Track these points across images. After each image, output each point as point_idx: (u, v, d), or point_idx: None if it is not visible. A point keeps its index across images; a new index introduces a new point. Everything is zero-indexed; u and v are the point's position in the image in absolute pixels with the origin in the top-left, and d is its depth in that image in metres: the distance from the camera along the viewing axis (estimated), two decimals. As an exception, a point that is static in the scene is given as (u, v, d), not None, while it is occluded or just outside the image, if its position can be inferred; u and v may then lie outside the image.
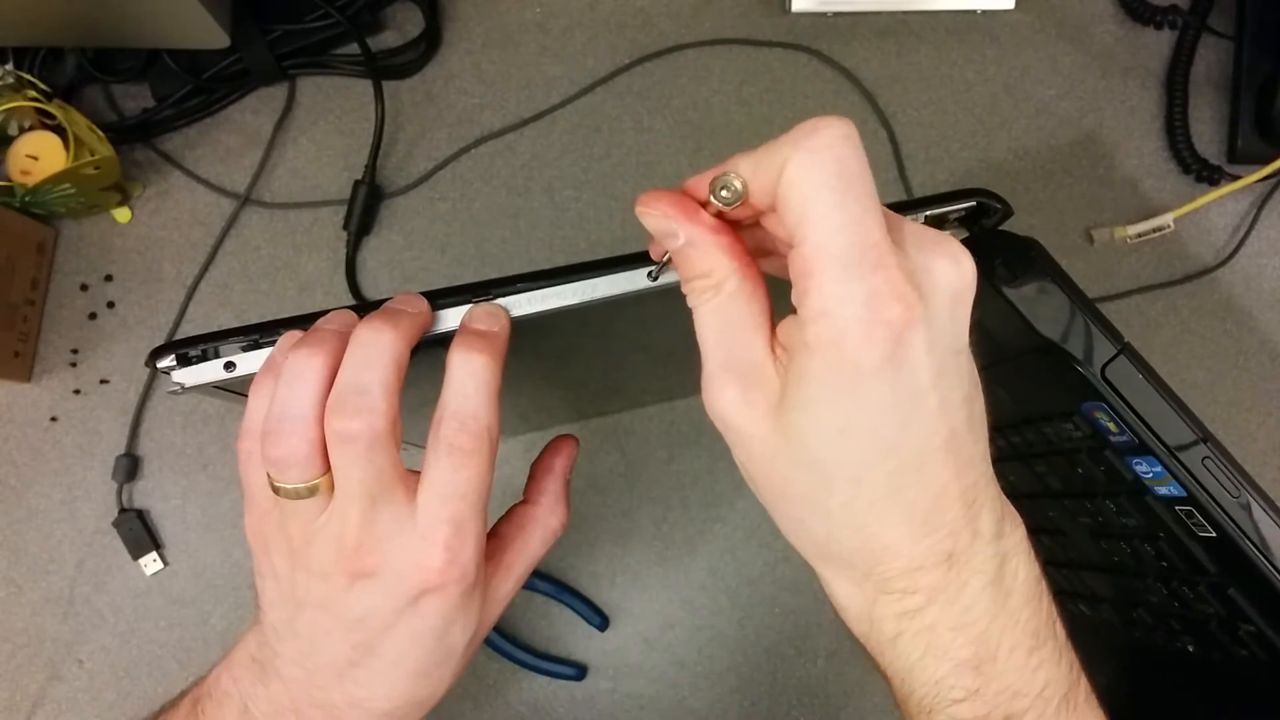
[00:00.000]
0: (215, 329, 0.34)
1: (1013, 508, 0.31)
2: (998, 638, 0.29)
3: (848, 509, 0.28)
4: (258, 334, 0.33)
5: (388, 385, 0.30)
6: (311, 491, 0.30)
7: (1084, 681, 0.31)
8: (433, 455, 0.31)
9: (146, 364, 0.34)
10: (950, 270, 0.27)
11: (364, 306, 0.33)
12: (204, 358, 0.34)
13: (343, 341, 0.31)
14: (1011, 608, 0.29)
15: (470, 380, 0.31)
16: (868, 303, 0.25)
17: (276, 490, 0.31)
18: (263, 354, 0.33)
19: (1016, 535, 0.30)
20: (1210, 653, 0.43)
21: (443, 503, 0.31)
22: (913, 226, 0.27)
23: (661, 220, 0.28)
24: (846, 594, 0.30)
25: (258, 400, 0.32)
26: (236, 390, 0.36)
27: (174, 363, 0.34)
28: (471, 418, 0.31)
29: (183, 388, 0.34)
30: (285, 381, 0.30)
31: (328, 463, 0.30)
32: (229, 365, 0.34)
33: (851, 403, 0.26)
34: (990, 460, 0.30)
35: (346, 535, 0.31)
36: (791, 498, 0.29)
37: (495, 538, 0.36)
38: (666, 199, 0.28)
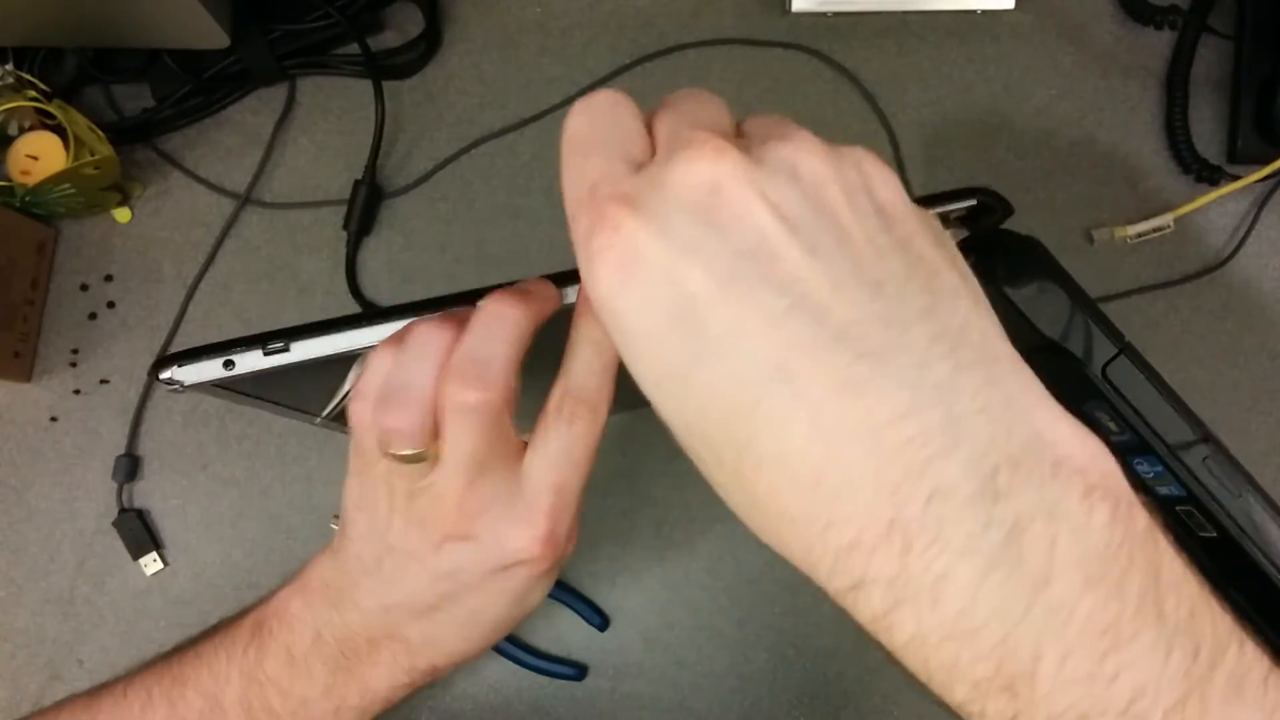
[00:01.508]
0: (217, 337, 0.34)
1: (1069, 433, 0.22)
2: (1033, 645, 0.20)
3: (726, 478, 0.25)
4: (261, 344, 0.33)
5: (509, 360, 0.30)
6: (420, 459, 0.31)
7: (1227, 667, 0.21)
8: (546, 424, 0.31)
9: (149, 375, 0.34)
10: (678, 174, 0.23)
11: (368, 307, 0.33)
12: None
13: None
14: (1053, 600, 0.20)
15: (589, 348, 0.31)
16: (580, 241, 0.24)
17: (386, 453, 0.31)
18: (260, 354, 0.33)
19: (1049, 489, 0.21)
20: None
21: (551, 470, 0.31)
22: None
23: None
24: (834, 597, 0.24)
25: (379, 364, 0.31)
26: (236, 389, 0.36)
27: (177, 373, 0.34)
28: (589, 389, 0.31)
29: (183, 386, 0.34)
30: (410, 351, 0.30)
31: (438, 430, 0.30)
32: (228, 364, 0.33)
33: (630, 345, 0.24)
34: (979, 361, 0.22)
35: (449, 498, 0.31)
36: (709, 481, 0.26)
37: None
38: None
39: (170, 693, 0.36)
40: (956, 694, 0.22)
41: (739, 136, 0.26)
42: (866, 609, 0.22)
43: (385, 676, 0.35)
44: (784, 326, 0.22)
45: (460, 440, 0.30)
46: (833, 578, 0.23)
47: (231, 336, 0.33)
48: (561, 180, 0.26)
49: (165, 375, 0.34)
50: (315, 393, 0.42)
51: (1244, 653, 0.22)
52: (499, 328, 0.30)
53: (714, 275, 0.22)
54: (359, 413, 0.32)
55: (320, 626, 0.35)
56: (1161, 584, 0.21)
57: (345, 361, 0.35)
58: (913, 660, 0.22)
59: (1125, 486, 0.22)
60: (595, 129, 0.26)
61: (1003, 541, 0.20)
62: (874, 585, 0.22)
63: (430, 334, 0.30)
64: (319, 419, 0.44)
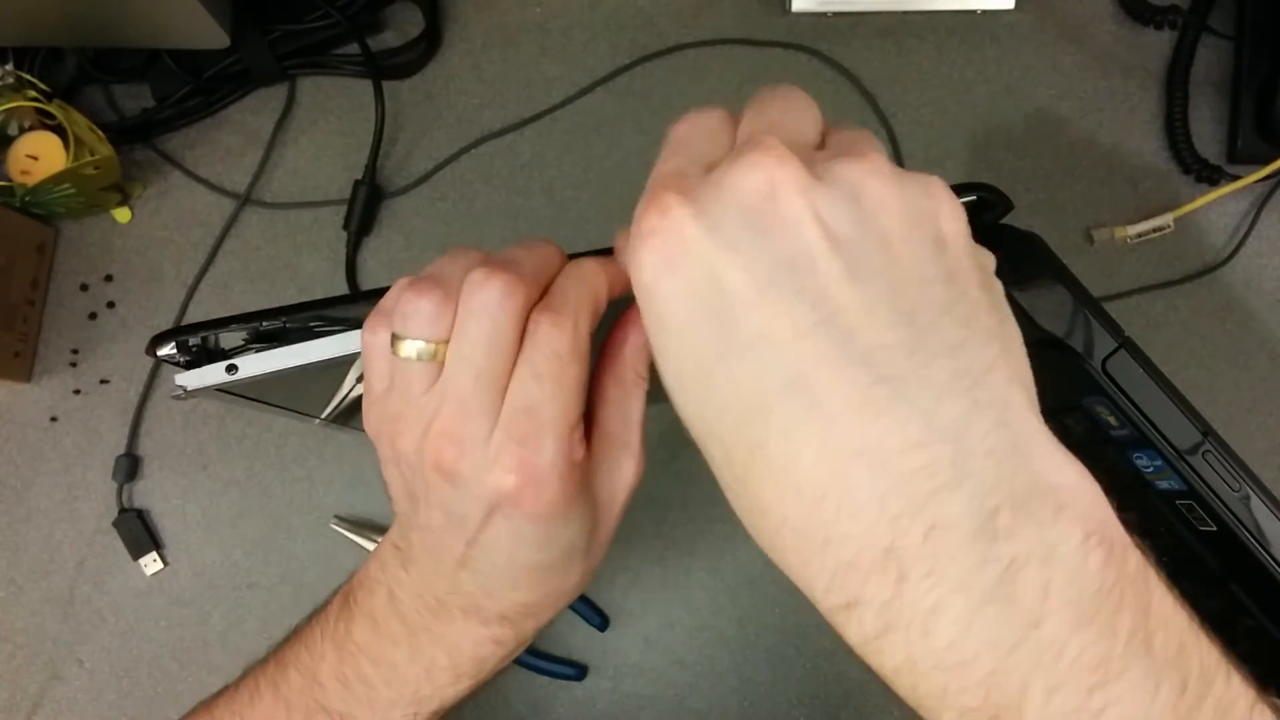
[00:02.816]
0: (222, 302, 0.34)
1: (1074, 480, 0.22)
2: (1022, 679, 0.21)
3: (734, 479, 0.25)
4: (259, 321, 0.33)
5: (537, 273, 0.30)
6: (427, 356, 0.29)
7: (1214, 699, 0.22)
8: (519, 368, 0.29)
9: (147, 352, 0.34)
10: (737, 176, 0.24)
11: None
12: (205, 347, 0.34)
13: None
14: (1044, 637, 0.21)
15: (573, 277, 0.30)
16: (635, 221, 0.25)
17: (395, 350, 0.30)
18: (268, 352, 0.33)
19: (1049, 533, 0.21)
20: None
21: (518, 392, 0.29)
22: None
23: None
24: (825, 615, 0.24)
25: (398, 291, 0.31)
26: (239, 394, 0.36)
27: (174, 350, 0.34)
28: (556, 301, 0.29)
29: (186, 391, 0.34)
30: (449, 259, 0.30)
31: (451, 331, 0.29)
32: (231, 368, 0.34)
33: (662, 332, 0.25)
34: (995, 403, 0.23)
35: (436, 416, 0.29)
36: (718, 479, 0.26)
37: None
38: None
39: (275, 677, 0.36)
40: (945, 719, 0.22)
41: (821, 147, 0.27)
42: (857, 631, 0.23)
43: (464, 633, 0.33)
44: (810, 340, 0.22)
45: (468, 333, 0.28)
46: (828, 594, 0.23)
47: (224, 314, 0.34)
48: None
49: (164, 352, 0.34)
50: (317, 393, 0.42)
51: (1230, 684, 0.23)
52: (541, 252, 0.31)
53: (752, 277, 0.23)
54: (371, 329, 0.31)
55: (392, 585, 0.34)
56: (1151, 621, 0.22)
57: (347, 362, 0.35)
58: (901, 685, 0.23)
59: (1120, 530, 0.23)
60: (690, 135, 0.27)
61: (997, 580, 0.21)
62: (866, 608, 0.22)
63: (464, 249, 0.31)
64: (321, 419, 0.44)
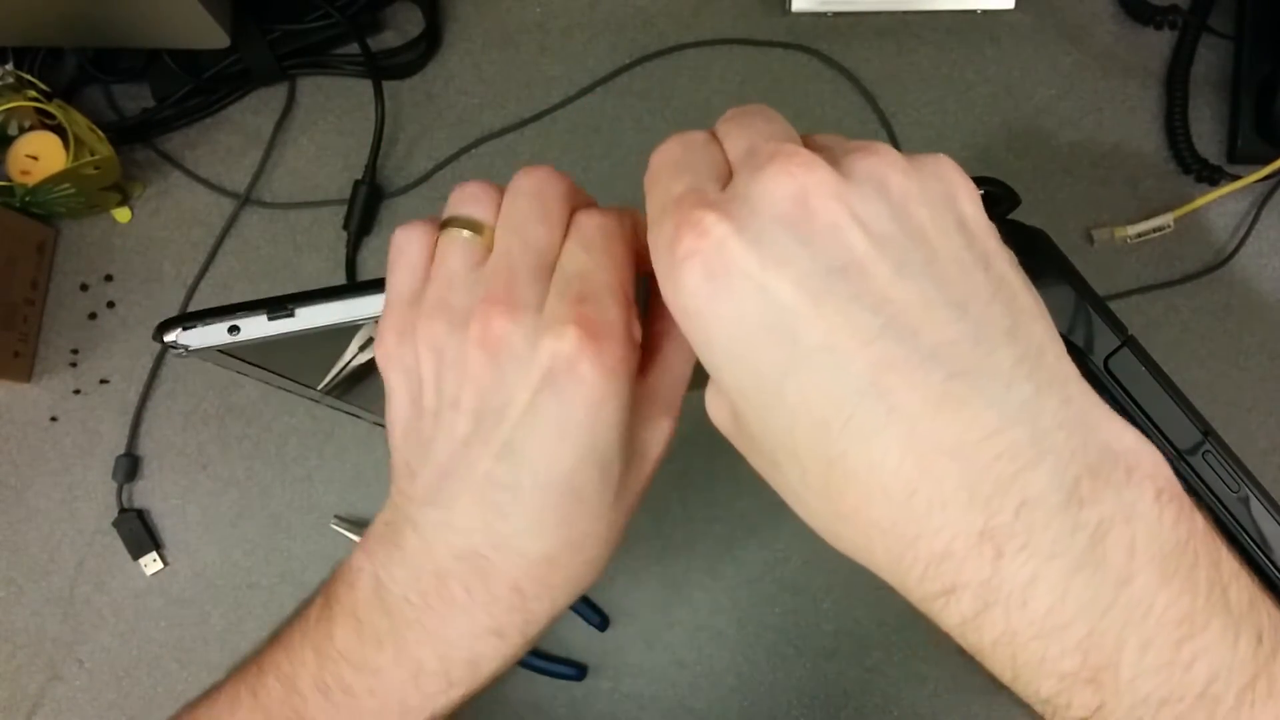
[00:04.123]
0: (222, 303, 0.34)
1: (1134, 443, 0.23)
2: (1116, 637, 0.22)
3: (809, 491, 0.25)
4: (265, 309, 0.33)
5: (570, 191, 0.30)
6: (474, 234, 0.29)
7: None
8: (568, 243, 0.29)
9: (154, 337, 0.34)
10: (766, 186, 0.24)
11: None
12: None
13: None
14: (1134, 595, 0.22)
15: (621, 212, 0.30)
16: (662, 247, 0.24)
17: (441, 234, 0.30)
18: (265, 319, 0.33)
19: (1126, 494, 0.22)
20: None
21: (571, 261, 0.28)
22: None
23: None
24: (918, 603, 0.25)
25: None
26: (240, 356, 0.36)
27: (181, 335, 0.34)
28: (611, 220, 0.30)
29: (187, 350, 0.34)
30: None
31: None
32: (233, 329, 0.34)
33: (716, 352, 0.24)
34: (1055, 382, 0.23)
35: (485, 288, 0.28)
36: (780, 491, 0.26)
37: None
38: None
39: (254, 684, 0.33)
40: (1043, 689, 0.23)
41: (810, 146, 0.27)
42: (956, 613, 0.23)
43: (463, 621, 0.30)
44: (877, 345, 0.22)
45: (516, 207, 0.29)
46: (922, 584, 0.23)
47: (236, 301, 0.34)
48: (646, 200, 0.27)
49: (170, 338, 0.34)
50: (318, 362, 0.42)
51: None
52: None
53: (807, 289, 0.23)
54: (408, 226, 0.31)
55: (379, 573, 0.31)
56: (1224, 576, 0.23)
57: (348, 331, 0.35)
58: (999, 657, 0.23)
59: (1182, 489, 0.23)
60: (688, 154, 0.27)
61: (1088, 543, 0.22)
62: (965, 590, 0.23)
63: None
64: (320, 387, 0.44)
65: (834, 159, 0.24)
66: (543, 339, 0.27)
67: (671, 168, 0.26)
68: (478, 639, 0.31)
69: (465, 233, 0.29)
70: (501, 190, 0.30)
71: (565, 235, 0.29)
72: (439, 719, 0.32)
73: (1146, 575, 0.22)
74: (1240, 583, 0.23)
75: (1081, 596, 0.22)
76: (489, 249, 0.29)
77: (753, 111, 0.27)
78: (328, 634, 0.32)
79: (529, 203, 0.29)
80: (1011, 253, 0.26)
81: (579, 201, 0.30)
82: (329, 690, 0.31)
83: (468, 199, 0.30)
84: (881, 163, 0.24)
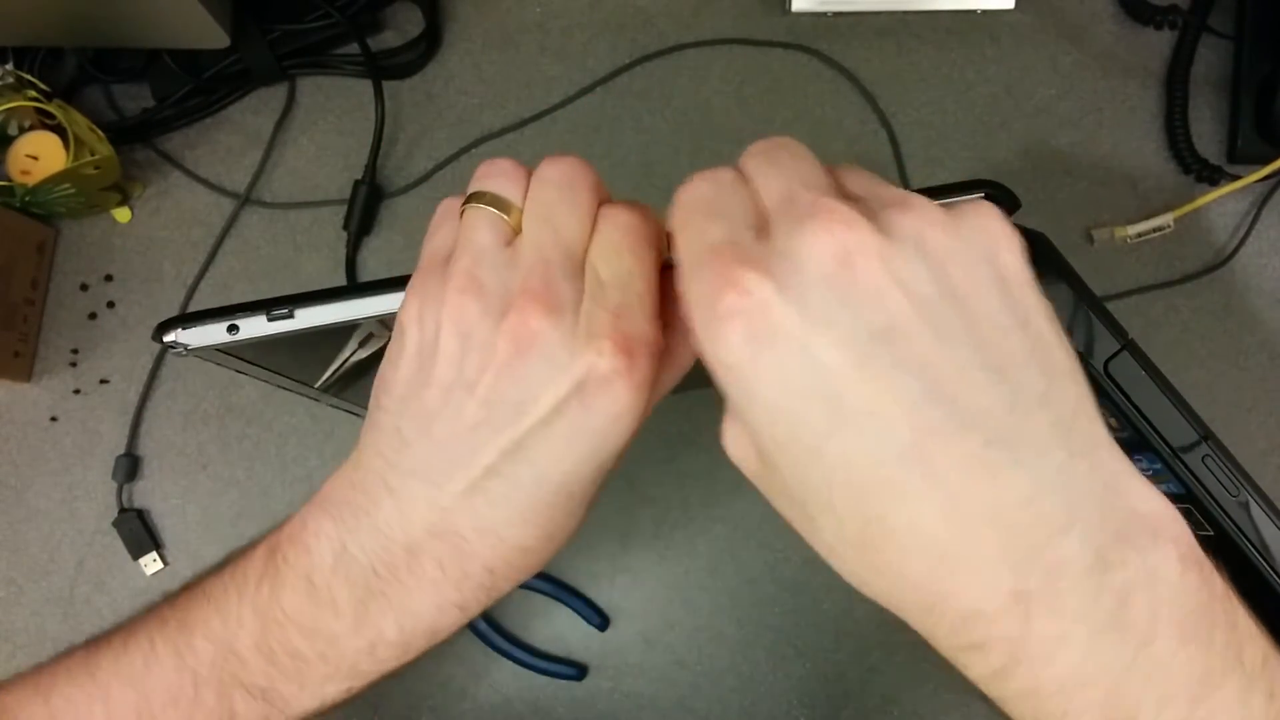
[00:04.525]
0: (222, 304, 0.34)
1: (1159, 507, 0.24)
2: (1136, 695, 0.22)
3: (843, 544, 0.25)
4: (265, 310, 0.34)
5: (597, 183, 0.30)
6: (501, 207, 0.29)
7: None
8: (597, 241, 0.29)
9: (154, 337, 0.34)
10: (809, 245, 0.23)
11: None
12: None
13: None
14: (1155, 655, 0.22)
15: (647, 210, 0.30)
16: (701, 300, 0.24)
17: (469, 202, 0.29)
18: (264, 319, 0.33)
19: (1150, 558, 0.23)
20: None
21: (602, 264, 0.28)
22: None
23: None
24: (945, 652, 0.25)
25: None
26: (239, 355, 0.36)
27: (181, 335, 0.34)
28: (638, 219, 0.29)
29: (186, 349, 0.34)
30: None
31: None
32: (232, 328, 0.34)
33: (755, 408, 0.24)
34: (1086, 448, 0.24)
35: (521, 277, 0.28)
36: (808, 538, 0.27)
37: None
38: None
39: (176, 641, 0.32)
40: None
41: (845, 194, 0.26)
42: (984, 665, 0.24)
43: (430, 596, 0.30)
44: (919, 411, 0.23)
45: (544, 195, 0.29)
46: (951, 636, 0.24)
47: (236, 302, 0.34)
48: (677, 242, 0.26)
49: (169, 338, 0.34)
50: (317, 361, 0.42)
51: None
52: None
53: (850, 353, 0.23)
54: (444, 211, 0.31)
55: (345, 539, 0.30)
56: (1239, 636, 0.23)
57: (347, 331, 0.35)
58: (1022, 708, 0.24)
59: (1203, 553, 0.24)
60: (720, 196, 0.26)
61: (1114, 606, 0.22)
62: (993, 646, 0.23)
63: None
64: (318, 384, 0.45)
65: (871, 213, 0.24)
66: (583, 352, 0.27)
67: (704, 211, 0.26)
68: (443, 612, 0.30)
69: (492, 209, 0.29)
70: (529, 172, 0.30)
71: (593, 228, 0.29)
72: (387, 676, 0.32)
73: (1167, 637, 0.22)
74: (1255, 644, 0.24)
75: (1105, 656, 0.22)
76: (516, 230, 0.29)
77: (781, 146, 0.27)
78: (273, 596, 0.31)
79: (559, 194, 0.29)
80: (1049, 305, 0.26)
81: (603, 194, 0.30)
82: (274, 654, 0.31)
83: (497, 173, 0.30)
84: (920, 220, 0.24)
